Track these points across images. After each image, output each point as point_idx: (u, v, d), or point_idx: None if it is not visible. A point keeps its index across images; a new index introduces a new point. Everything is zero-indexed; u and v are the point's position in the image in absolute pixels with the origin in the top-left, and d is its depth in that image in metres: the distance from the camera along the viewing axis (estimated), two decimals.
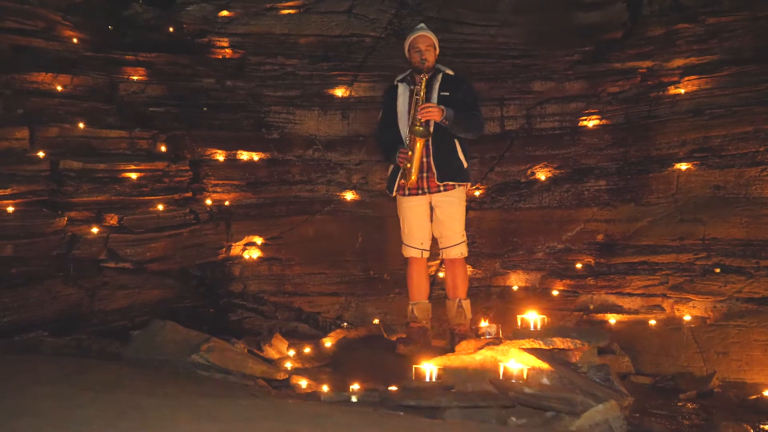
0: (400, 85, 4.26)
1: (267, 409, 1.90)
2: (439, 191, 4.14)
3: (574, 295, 5.48)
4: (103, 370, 2.53)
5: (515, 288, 5.84)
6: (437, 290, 5.73)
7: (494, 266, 6.05)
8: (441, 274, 6.00)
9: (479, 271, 6.04)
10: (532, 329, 2.85)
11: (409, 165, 4.00)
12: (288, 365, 3.95)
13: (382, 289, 6.01)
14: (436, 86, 4.12)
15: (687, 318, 4.81)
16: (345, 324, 5.29)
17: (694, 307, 4.88)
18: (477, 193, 6.31)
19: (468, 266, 5.70)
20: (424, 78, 4.00)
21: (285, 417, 1.72)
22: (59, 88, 5.75)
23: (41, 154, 5.04)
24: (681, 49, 5.99)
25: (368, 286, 6.04)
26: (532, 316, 2.89)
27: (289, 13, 6.67)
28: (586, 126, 6.23)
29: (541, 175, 6.24)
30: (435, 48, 4.19)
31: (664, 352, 4.67)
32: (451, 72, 4.23)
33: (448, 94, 4.10)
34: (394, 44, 6.60)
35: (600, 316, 5.22)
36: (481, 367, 2.85)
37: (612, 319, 5.12)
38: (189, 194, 5.82)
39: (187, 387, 2.40)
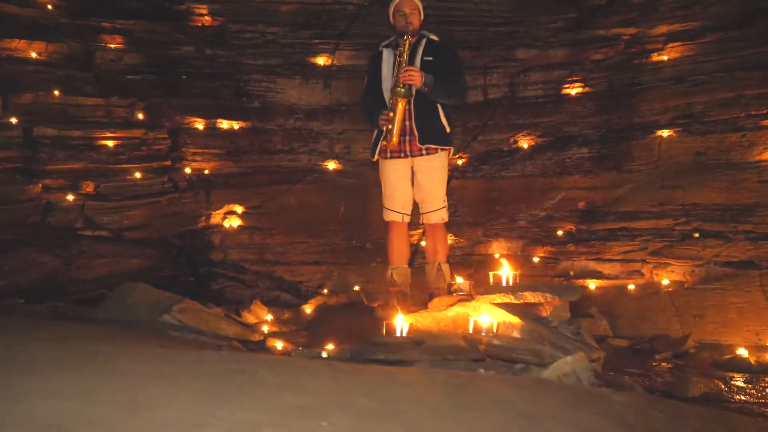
0: (384, 50, 4.17)
1: (222, 357, 1.88)
2: (421, 155, 4.07)
3: (554, 262, 5.49)
4: (66, 329, 2.49)
5: (497, 256, 5.84)
6: (419, 258, 5.73)
7: (476, 234, 6.04)
8: (423, 243, 6.00)
9: (461, 240, 6.03)
10: (504, 285, 2.84)
11: (390, 126, 3.93)
12: (265, 329, 3.94)
13: (364, 257, 5.99)
14: (420, 51, 4.05)
15: (665, 282, 4.83)
16: (325, 291, 5.27)
17: (672, 271, 4.90)
18: (460, 162, 6.28)
19: (450, 235, 5.69)
20: (408, 40, 3.91)
21: (241, 361, 1.70)
22: (34, 55, 5.63)
23: (14, 120, 4.96)
24: (664, 16, 5.93)
25: (350, 255, 6.02)
26: (505, 272, 2.88)
27: None
28: (569, 94, 6.19)
29: (524, 144, 6.21)
30: (420, 12, 4.11)
31: (641, 315, 4.69)
32: (435, 38, 4.16)
33: (431, 59, 4.02)
34: (377, 12, 6.49)
35: (580, 281, 5.24)
36: (452, 324, 2.84)
37: (592, 284, 5.14)
38: (168, 163, 5.76)
39: (149, 342, 2.36)
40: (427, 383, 1.66)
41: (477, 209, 6.13)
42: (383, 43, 4.24)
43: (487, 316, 2.61)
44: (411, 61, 3.97)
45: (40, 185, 4.91)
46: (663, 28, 5.95)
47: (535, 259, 5.57)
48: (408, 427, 1.22)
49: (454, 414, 1.40)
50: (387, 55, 4.11)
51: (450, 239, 5.61)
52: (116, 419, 1.07)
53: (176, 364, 1.47)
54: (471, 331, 2.61)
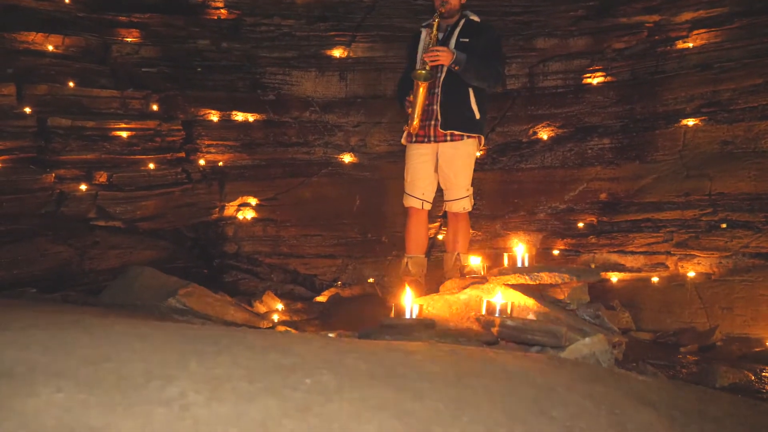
0: (423, 30, 4.00)
1: (212, 327, 1.78)
2: (446, 140, 3.86)
3: (575, 255, 5.33)
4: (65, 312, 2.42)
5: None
6: (436, 252, 5.60)
7: (494, 228, 5.90)
8: (441, 237, 5.87)
9: (479, 233, 5.90)
10: (519, 266, 2.71)
11: (411, 109, 3.79)
12: (275, 317, 3.85)
13: (379, 251, 5.89)
14: (457, 32, 3.85)
15: (691, 274, 4.64)
16: (339, 282, 5.17)
17: (698, 263, 4.71)
18: (477, 154, 6.13)
19: None
20: (437, 19, 3.73)
21: (230, 329, 1.60)
22: (51, 48, 5.64)
23: (28, 110, 4.95)
24: (689, 2, 5.75)
25: (366, 249, 5.92)
26: (519, 251, 2.75)
27: None
28: (590, 83, 6.03)
29: (544, 135, 6.06)
30: None
31: (666, 308, 4.52)
32: (476, 18, 3.96)
33: (467, 40, 3.79)
34: (393, 3, 6.41)
35: (602, 275, 5.06)
36: (465, 307, 2.71)
37: (614, 277, 4.97)
38: (182, 154, 5.72)
39: (146, 320, 2.28)
40: (431, 352, 1.54)
41: (495, 202, 5.99)
42: (423, 24, 4.08)
43: (500, 297, 2.48)
44: (446, 42, 3.77)
45: (53, 175, 4.89)
46: (688, 15, 5.77)
47: (555, 252, 5.41)
48: (402, 390, 1.11)
49: (459, 380, 1.28)
50: (424, 36, 3.94)
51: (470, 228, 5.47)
52: (73, 368, 0.98)
53: (158, 329, 1.38)
54: (484, 313, 2.48)
